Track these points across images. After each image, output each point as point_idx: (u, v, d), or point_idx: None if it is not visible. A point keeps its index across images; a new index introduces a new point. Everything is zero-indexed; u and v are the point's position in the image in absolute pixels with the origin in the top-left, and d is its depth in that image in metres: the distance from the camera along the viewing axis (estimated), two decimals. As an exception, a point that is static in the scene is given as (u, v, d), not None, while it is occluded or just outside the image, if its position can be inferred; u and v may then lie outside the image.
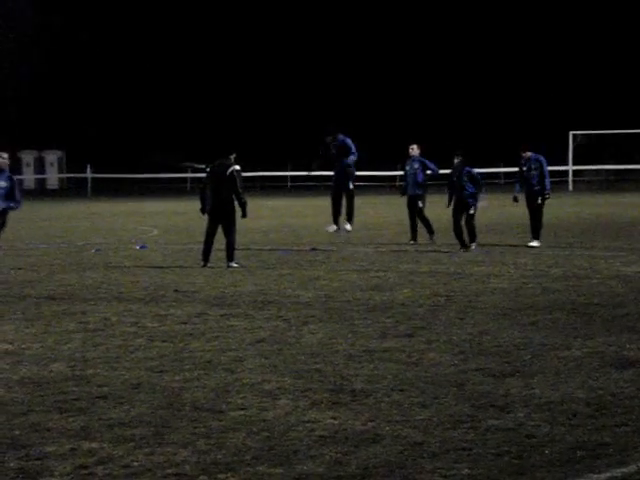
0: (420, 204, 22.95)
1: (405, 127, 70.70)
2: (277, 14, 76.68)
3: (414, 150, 23.38)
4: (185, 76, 77.17)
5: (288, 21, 76.20)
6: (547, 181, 21.85)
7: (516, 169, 22.98)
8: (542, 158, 21.95)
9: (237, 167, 19.37)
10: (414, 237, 22.84)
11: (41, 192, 64.95)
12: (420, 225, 22.90)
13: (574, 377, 9.16)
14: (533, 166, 21.87)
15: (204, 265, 18.61)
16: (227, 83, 76.01)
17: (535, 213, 21.94)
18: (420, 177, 23.10)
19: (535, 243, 21.71)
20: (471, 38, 73.79)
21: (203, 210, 19.23)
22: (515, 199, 22.30)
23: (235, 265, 18.55)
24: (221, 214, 18.80)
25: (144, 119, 75.58)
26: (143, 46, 76.62)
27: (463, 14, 74.80)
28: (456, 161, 21.60)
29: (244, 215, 19.36)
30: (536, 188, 21.79)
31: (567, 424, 7.67)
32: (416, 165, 23.15)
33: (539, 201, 21.77)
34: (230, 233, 18.75)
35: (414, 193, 23.02)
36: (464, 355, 10.17)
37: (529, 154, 21.98)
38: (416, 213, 23.04)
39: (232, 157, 19.17)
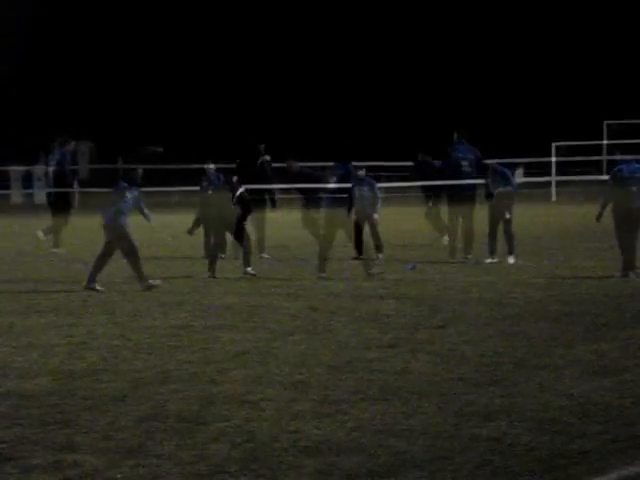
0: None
1: (441, 124, 70.42)
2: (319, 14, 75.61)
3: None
4: (218, 69, 76.35)
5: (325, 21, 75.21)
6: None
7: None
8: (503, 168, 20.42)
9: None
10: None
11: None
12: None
13: (555, 385, 9.24)
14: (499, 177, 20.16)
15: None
16: (258, 77, 75.32)
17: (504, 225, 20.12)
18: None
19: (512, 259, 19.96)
20: (508, 30, 73.07)
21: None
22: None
23: (251, 271, 18.15)
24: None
25: (175, 112, 74.64)
26: (172, 39, 75.88)
27: (501, 4, 73.97)
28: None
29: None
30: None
31: (549, 432, 7.74)
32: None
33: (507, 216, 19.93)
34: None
35: None
36: (447, 365, 10.23)
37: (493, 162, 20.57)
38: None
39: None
